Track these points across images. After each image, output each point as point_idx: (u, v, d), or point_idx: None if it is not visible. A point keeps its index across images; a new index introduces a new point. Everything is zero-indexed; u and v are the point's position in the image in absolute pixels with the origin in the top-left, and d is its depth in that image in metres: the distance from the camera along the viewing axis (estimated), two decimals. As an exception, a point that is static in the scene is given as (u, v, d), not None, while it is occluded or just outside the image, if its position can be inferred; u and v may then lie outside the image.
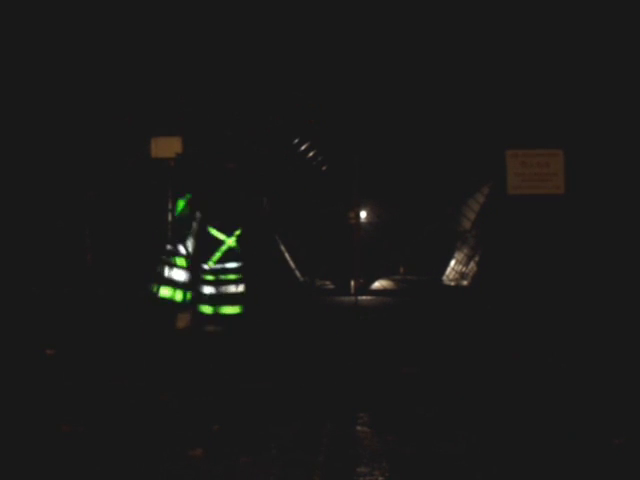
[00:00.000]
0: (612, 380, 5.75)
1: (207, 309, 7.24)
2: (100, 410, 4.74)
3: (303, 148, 10.87)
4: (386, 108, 10.85)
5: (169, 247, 7.22)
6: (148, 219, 10.46)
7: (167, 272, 7.14)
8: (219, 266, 7.35)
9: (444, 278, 20.62)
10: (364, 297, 14.99)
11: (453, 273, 19.92)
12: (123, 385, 5.47)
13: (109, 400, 5.01)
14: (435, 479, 3.52)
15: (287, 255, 17.32)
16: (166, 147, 10.27)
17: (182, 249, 7.27)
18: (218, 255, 7.33)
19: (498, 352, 7.14)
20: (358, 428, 4.37)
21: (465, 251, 18.20)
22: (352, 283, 16.13)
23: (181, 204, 7.59)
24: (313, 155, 13.39)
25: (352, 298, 14.71)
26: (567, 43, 10.69)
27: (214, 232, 7.38)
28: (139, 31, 10.53)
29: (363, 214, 19.26)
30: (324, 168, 14.48)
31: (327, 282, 17.74)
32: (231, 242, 7.39)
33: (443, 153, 12.19)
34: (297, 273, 18.16)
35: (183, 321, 7.42)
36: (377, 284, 18.59)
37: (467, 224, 17.24)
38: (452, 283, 19.16)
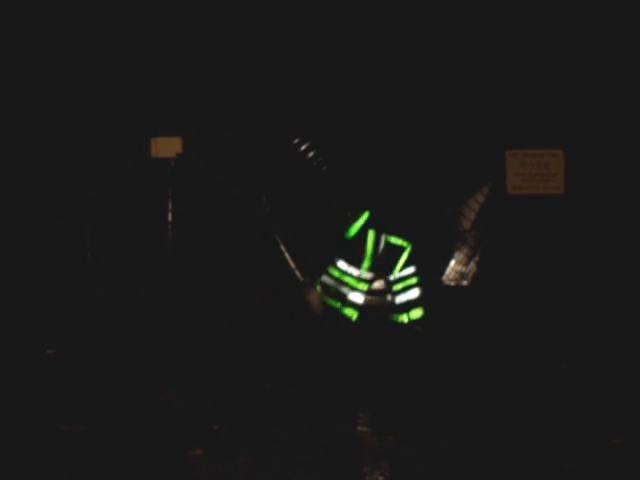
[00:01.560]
0: (612, 380, 5.75)
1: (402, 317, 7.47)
2: (100, 410, 4.74)
3: (303, 148, 10.87)
4: (386, 108, 10.85)
5: (344, 266, 7.52)
6: (148, 219, 10.45)
7: (343, 291, 7.46)
8: (401, 274, 7.68)
9: (444, 278, 20.59)
10: (364, 297, 14.96)
11: (453, 273, 19.89)
12: (123, 385, 5.47)
13: (109, 400, 5.01)
14: (435, 479, 3.52)
15: (287, 255, 17.30)
16: (166, 147, 10.28)
17: (354, 271, 7.59)
18: (402, 263, 7.63)
19: (498, 352, 7.14)
20: (358, 428, 4.37)
21: (465, 251, 18.17)
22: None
23: (357, 225, 7.85)
24: (313, 155, 13.41)
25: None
26: (567, 43, 10.69)
27: (394, 240, 7.64)
28: (140, 31, 10.53)
29: (363, 214, 19.20)
30: (324, 168, 14.48)
31: (327, 282, 17.70)
32: (409, 247, 7.69)
33: (443, 153, 12.19)
34: (297, 273, 18.14)
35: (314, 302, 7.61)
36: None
37: (467, 224, 17.20)
38: (452, 283, 19.12)
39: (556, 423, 4.44)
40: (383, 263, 7.84)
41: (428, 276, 7.95)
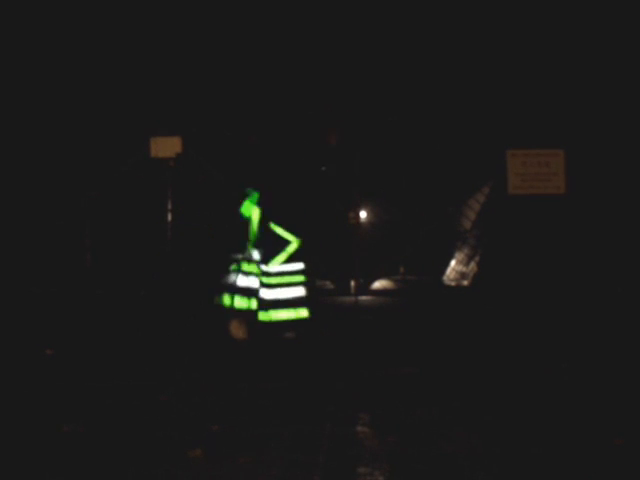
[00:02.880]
0: (613, 380, 5.75)
1: (266, 316, 7.07)
2: (100, 410, 4.73)
3: (303, 148, 10.86)
4: (387, 108, 10.86)
5: (239, 254, 7.08)
6: (148, 219, 10.45)
7: (240, 280, 6.98)
8: (283, 268, 7.19)
9: (444, 278, 20.58)
10: (364, 297, 14.99)
11: (453, 273, 19.89)
12: (123, 385, 5.47)
13: (109, 400, 5.01)
14: (435, 479, 3.51)
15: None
16: (166, 147, 10.29)
17: (255, 254, 7.08)
18: (284, 256, 7.18)
19: (498, 352, 7.14)
20: (358, 428, 4.36)
21: (465, 251, 18.18)
22: (352, 283, 16.11)
23: (249, 205, 7.31)
24: (313, 155, 13.40)
25: (352, 298, 14.72)
26: (567, 44, 10.68)
27: (279, 231, 7.22)
28: (139, 32, 10.52)
29: (363, 214, 19.25)
30: (324, 168, 14.49)
31: (327, 282, 17.72)
32: (297, 243, 7.26)
33: (444, 153, 12.19)
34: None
35: (241, 330, 7.16)
36: (377, 284, 18.55)
37: (467, 224, 17.23)
38: (452, 283, 19.14)
39: (556, 423, 4.43)
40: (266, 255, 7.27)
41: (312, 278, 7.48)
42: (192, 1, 10.59)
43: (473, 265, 16.32)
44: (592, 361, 6.61)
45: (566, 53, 10.70)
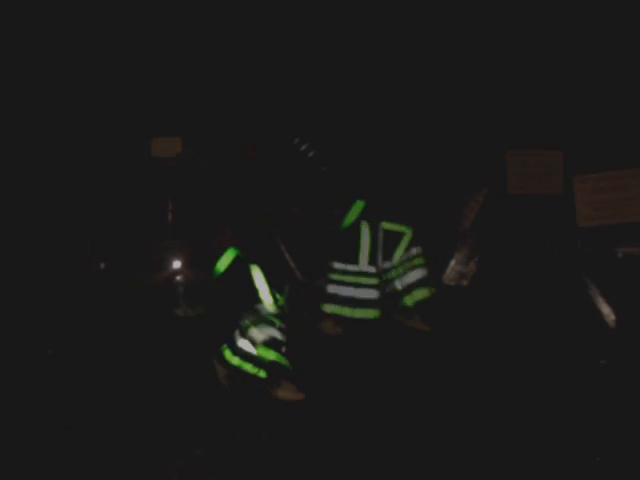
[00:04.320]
0: (613, 380, 5.76)
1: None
2: (100, 410, 4.74)
3: (303, 148, 10.86)
4: (386, 108, 10.87)
5: (338, 265, 7.06)
6: (148, 219, 10.47)
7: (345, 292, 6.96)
8: (404, 257, 7.14)
9: (444, 278, 20.57)
10: (364, 297, 14.96)
11: (453, 273, 19.89)
12: (123, 385, 5.48)
13: (109, 400, 5.02)
14: (435, 479, 3.52)
15: (287, 255, 17.31)
16: (166, 147, 10.29)
17: (352, 267, 7.04)
18: (401, 250, 7.13)
19: (498, 352, 7.15)
20: (358, 428, 4.38)
21: (465, 251, 18.17)
22: (352, 283, 16.08)
23: (353, 214, 7.25)
24: (313, 155, 13.41)
25: (352, 298, 14.68)
26: (567, 43, 10.70)
27: (388, 226, 7.16)
28: (139, 30, 10.54)
29: (363, 214, 19.15)
30: (324, 168, 14.47)
31: (327, 282, 17.70)
32: (410, 233, 7.18)
33: (443, 153, 12.21)
34: (297, 273, 18.15)
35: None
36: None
37: (467, 224, 17.22)
38: (452, 283, 19.12)
39: (557, 422, 4.45)
40: (380, 252, 7.23)
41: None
42: (193, 1, 10.61)
43: (472, 265, 16.32)
44: (593, 360, 6.61)
45: (566, 53, 10.71)
